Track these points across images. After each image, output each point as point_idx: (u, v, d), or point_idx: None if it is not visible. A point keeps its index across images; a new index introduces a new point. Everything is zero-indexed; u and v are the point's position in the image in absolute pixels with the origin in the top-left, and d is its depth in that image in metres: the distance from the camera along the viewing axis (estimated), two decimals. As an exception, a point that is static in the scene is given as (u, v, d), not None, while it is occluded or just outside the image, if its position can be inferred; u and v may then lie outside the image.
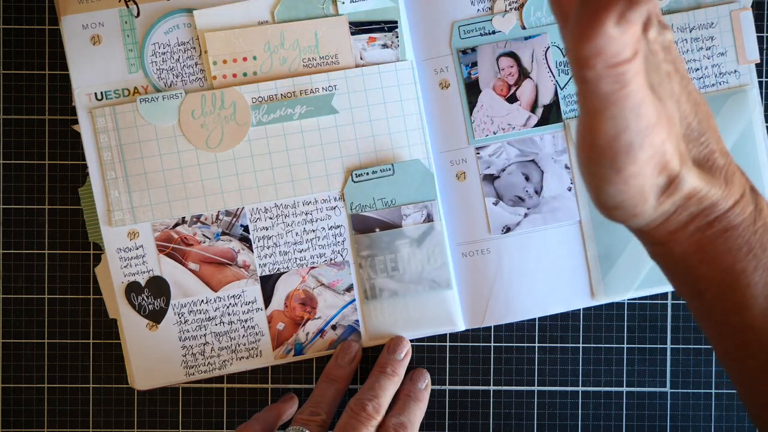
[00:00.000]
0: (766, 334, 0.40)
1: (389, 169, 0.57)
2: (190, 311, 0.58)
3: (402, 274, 0.57)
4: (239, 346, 0.59)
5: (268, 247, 0.58)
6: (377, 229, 0.57)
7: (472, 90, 0.59)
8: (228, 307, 0.58)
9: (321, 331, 0.59)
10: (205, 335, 0.58)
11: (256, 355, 0.59)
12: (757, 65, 0.60)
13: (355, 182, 0.57)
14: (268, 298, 0.58)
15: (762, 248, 0.39)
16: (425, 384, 0.59)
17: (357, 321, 0.59)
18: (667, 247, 0.40)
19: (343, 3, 0.57)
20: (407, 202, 0.57)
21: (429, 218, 0.57)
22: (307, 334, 0.59)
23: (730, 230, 0.39)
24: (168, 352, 0.59)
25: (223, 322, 0.58)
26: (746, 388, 0.43)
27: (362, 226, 0.57)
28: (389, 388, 0.56)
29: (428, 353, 0.61)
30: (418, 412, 0.56)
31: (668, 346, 0.60)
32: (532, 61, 0.59)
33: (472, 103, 0.59)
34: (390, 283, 0.57)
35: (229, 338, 0.58)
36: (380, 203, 0.57)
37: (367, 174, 0.57)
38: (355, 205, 0.57)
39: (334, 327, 0.59)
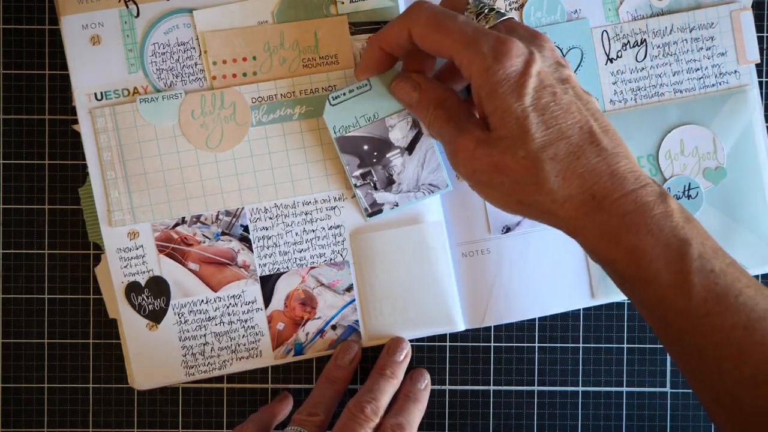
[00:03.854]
0: (675, 304, 0.43)
1: (366, 85, 0.55)
2: (190, 311, 0.58)
3: (399, 184, 0.57)
4: (239, 346, 0.59)
5: (268, 247, 0.58)
6: (365, 147, 0.56)
7: (472, 90, 0.59)
8: (228, 307, 0.58)
9: (321, 332, 0.59)
10: (205, 335, 0.58)
11: (256, 356, 0.59)
12: (757, 65, 0.60)
13: (333, 105, 0.55)
14: (268, 298, 0.58)
15: (659, 229, 0.44)
16: (425, 384, 0.59)
17: (357, 321, 0.59)
18: (581, 235, 0.46)
19: (343, 3, 0.57)
20: (390, 112, 0.56)
21: (415, 124, 0.56)
22: (307, 334, 0.59)
23: (629, 214, 0.44)
24: (168, 352, 0.58)
25: (223, 322, 0.58)
26: (681, 367, 0.47)
27: (350, 147, 0.56)
28: (388, 390, 0.56)
29: (428, 353, 0.61)
30: (416, 413, 0.56)
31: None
32: (532, 61, 0.59)
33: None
34: (389, 196, 0.57)
35: (229, 338, 0.58)
36: (363, 120, 0.56)
37: (344, 94, 0.55)
38: (338, 128, 0.56)
39: (334, 327, 0.59)
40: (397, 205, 0.57)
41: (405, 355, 0.58)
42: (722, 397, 0.44)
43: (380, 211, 0.57)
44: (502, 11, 0.50)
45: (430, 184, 0.57)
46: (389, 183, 0.56)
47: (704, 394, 0.45)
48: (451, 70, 0.55)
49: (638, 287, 0.45)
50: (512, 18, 0.50)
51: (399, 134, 0.56)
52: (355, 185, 0.56)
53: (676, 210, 0.45)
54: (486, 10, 0.50)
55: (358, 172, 0.56)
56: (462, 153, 0.47)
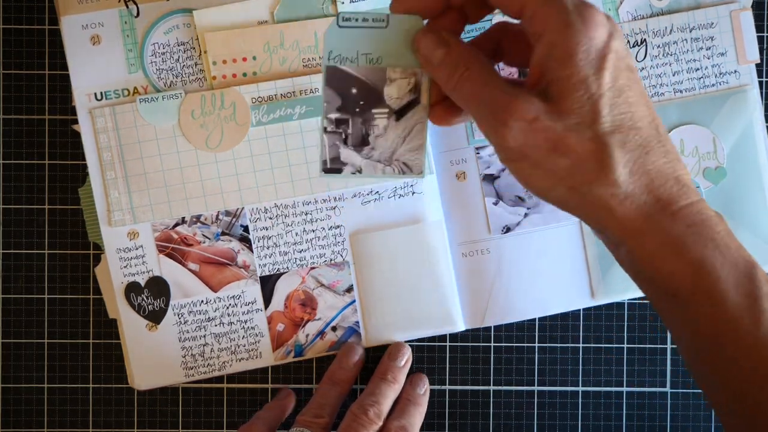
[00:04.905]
0: (740, 326, 0.41)
1: (383, 21, 0.46)
2: (190, 312, 0.58)
3: (371, 149, 0.48)
4: (239, 347, 0.59)
5: (268, 248, 0.58)
6: (353, 90, 0.48)
7: (472, 90, 0.58)
8: (228, 307, 0.58)
9: (321, 333, 0.59)
10: (204, 336, 0.58)
11: (256, 357, 0.59)
12: (757, 65, 0.60)
13: (340, 27, 0.46)
14: (267, 299, 0.58)
15: (726, 247, 0.40)
16: (424, 389, 0.59)
17: (357, 322, 0.59)
18: (637, 240, 0.41)
19: (343, 3, 0.57)
20: (396, 63, 0.47)
21: (415, 89, 0.48)
22: (307, 335, 0.59)
23: (695, 225, 0.40)
24: (167, 353, 0.59)
25: (223, 323, 0.58)
26: (714, 388, 0.44)
27: (337, 82, 0.47)
28: (390, 394, 0.56)
29: (428, 353, 0.61)
30: (418, 416, 0.57)
31: (668, 346, 0.60)
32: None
33: (472, 103, 0.59)
34: (355, 158, 0.48)
35: (228, 339, 0.58)
36: (364, 59, 0.47)
37: (356, 20, 0.46)
38: (334, 55, 0.47)
39: (334, 328, 0.59)
40: (359, 172, 0.48)
41: (406, 360, 0.58)
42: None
43: (339, 170, 0.48)
44: None
45: (404, 163, 0.48)
46: (362, 143, 0.48)
47: (743, 425, 0.43)
48: (479, 45, 0.47)
49: (697, 304, 0.41)
50: None
51: (395, 92, 0.47)
52: (325, 128, 0.48)
53: (732, 231, 0.42)
54: None
55: (334, 116, 0.47)
56: (517, 122, 0.40)
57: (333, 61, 0.47)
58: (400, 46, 0.47)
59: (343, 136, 0.48)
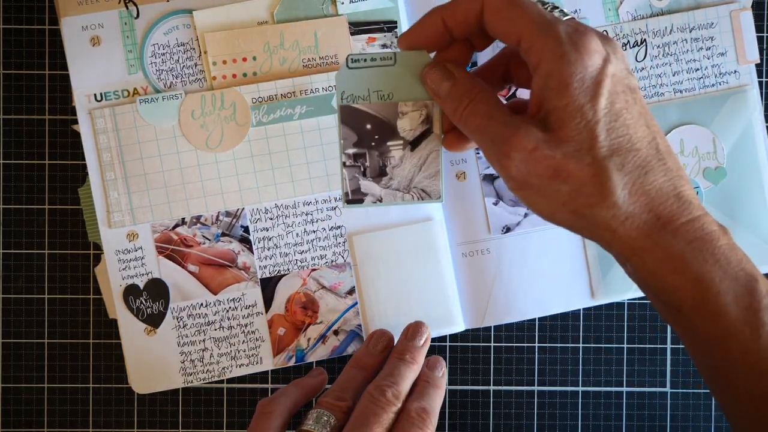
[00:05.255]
0: (741, 339, 0.41)
1: (390, 59, 0.49)
2: (189, 315, 0.58)
3: (389, 179, 0.51)
4: (239, 352, 0.58)
5: (269, 249, 0.58)
6: (368, 126, 0.50)
7: (472, 90, 0.58)
8: (228, 311, 0.58)
9: (323, 337, 0.59)
10: (204, 341, 0.58)
11: (257, 362, 0.59)
12: (757, 65, 0.60)
13: (350, 68, 0.49)
14: (268, 302, 0.58)
15: (727, 261, 0.41)
16: (442, 372, 0.56)
17: (359, 326, 0.59)
18: (639, 258, 0.42)
19: (343, 3, 0.57)
20: (406, 98, 0.49)
21: (427, 120, 0.50)
22: (309, 339, 0.59)
23: (696, 241, 0.41)
24: (166, 359, 0.58)
25: (223, 327, 0.58)
26: (726, 401, 0.45)
27: (351, 120, 0.49)
28: (409, 375, 0.54)
29: (428, 353, 0.61)
30: (437, 399, 0.54)
31: (668, 346, 0.61)
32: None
33: (472, 104, 0.59)
34: (375, 188, 0.51)
35: (228, 344, 0.58)
36: (375, 96, 0.49)
37: (365, 60, 0.49)
38: (346, 95, 0.49)
39: (336, 332, 0.59)
40: (380, 201, 0.51)
41: (425, 339, 0.56)
42: None
43: (360, 201, 0.51)
44: (566, 11, 0.46)
45: (422, 190, 0.51)
46: (380, 174, 0.51)
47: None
48: (490, 69, 0.50)
49: (699, 320, 0.42)
50: (575, 19, 0.45)
51: (407, 125, 0.50)
52: (344, 163, 0.50)
53: (736, 243, 0.42)
54: (549, 7, 0.46)
55: (351, 151, 0.50)
56: (519, 153, 0.41)
57: (345, 100, 0.49)
58: (409, 81, 0.49)
59: (362, 169, 0.50)
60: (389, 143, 0.51)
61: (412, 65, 0.49)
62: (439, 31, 0.46)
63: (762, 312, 0.41)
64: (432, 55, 0.48)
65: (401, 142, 0.51)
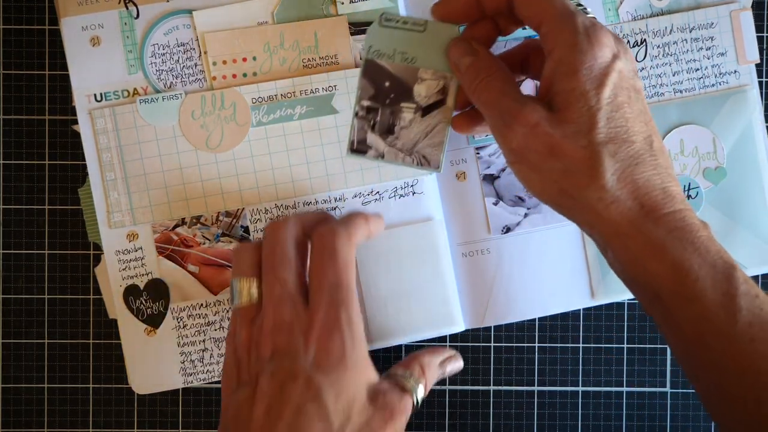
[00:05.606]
0: (718, 324, 0.43)
1: (422, 26, 0.52)
2: (189, 315, 0.58)
3: (395, 138, 0.53)
4: (239, 352, 0.58)
5: (269, 248, 0.58)
6: (386, 83, 0.53)
7: (472, 90, 0.58)
8: (228, 311, 0.58)
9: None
10: (204, 341, 0.58)
11: (257, 362, 0.59)
12: (757, 65, 0.60)
13: (382, 26, 0.52)
14: (268, 302, 0.58)
15: (706, 250, 0.43)
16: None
17: (360, 327, 0.59)
18: (622, 242, 0.44)
19: (343, 3, 0.57)
20: (427, 65, 0.52)
21: (443, 91, 0.52)
22: (309, 339, 0.59)
23: (677, 230, 0.43)
24: (166, 359, 0.58)
25: (223, 327, 0.58)
26: (703, 387, 0.46)
27: (372, 74, 0.53)
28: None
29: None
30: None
31: (668, 346, 0.61)
32: (533, 62, 0.58)
33: (472, 104, 0.59)
34: (380, 143, 0.53)
35: (228, 344, 0.58)
36: (399, 57, 0.52)
37: (397, 22, 0.52)
38: (373, 50, 0.52)
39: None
40: (382, 157, 0.53)
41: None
42: (755, 427, 0.43)
43: (364, 152, 0.53)
44: (588, 10, 0.48)
45: (424, 156, 0.53)
46: (388, 131, 0.53)
47: (732, 422, 0.44)
48: (511, 57, 0.53)
49: (678, 305, 0.44)
50: (595, 17, 0.48)
51: (424, 91, 0.53)
52: (356, 113, 0.53)
53: (714, 237, 0.44)
54: (575, 1, 0.48)
55: (366, 103, 0.53)
56: (522, 127, 0.44)
57: (372, 55, 0.52)
58: (434, 50, 0.52)
59: (372, 123, 0.53)
60: (402, 104, 0.53)
61: (440, 36, 0.52)
62: (471, 4, 0.49)
63: (739, 297, 0.43)
64: (461, 30, 0.51)
65: (414, 105, 0.53)
